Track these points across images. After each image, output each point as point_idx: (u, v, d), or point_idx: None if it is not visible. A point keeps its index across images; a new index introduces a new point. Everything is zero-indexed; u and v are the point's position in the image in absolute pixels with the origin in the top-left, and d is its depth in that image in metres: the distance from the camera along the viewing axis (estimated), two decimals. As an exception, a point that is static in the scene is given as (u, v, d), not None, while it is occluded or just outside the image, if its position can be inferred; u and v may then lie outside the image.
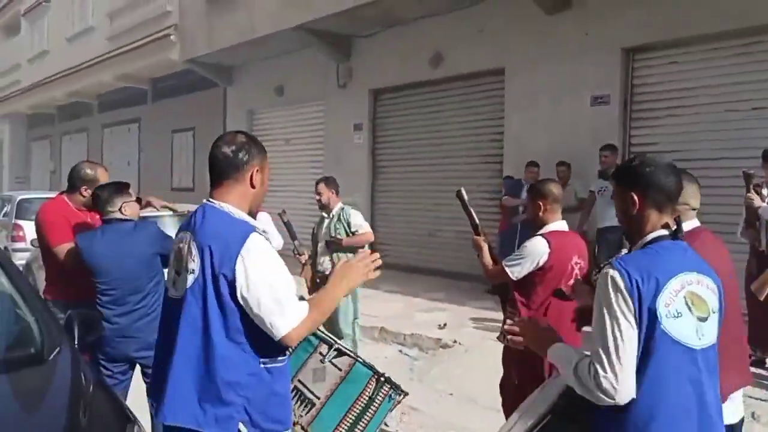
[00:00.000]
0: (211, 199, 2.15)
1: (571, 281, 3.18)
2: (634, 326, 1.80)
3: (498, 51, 9.18)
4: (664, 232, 1.94)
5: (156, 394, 2.11)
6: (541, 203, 3.38)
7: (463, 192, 3.53)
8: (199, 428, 2.00)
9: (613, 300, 1.82)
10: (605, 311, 1.83)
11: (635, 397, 1.80)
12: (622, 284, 1.81)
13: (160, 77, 16.43)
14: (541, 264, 3.28)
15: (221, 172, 2.13)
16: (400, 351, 6.75)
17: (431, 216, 10.41)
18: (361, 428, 2.30)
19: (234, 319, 2.01)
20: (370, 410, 2.29)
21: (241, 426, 2.01)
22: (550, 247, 3.26)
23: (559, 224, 3.39)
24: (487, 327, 6.80)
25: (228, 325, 2.01)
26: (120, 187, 3.66)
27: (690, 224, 2.43)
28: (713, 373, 1.90)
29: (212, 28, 12.80)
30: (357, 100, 11.47)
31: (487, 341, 6.01)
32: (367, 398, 2.28)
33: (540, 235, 3.35)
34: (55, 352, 2.65)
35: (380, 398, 2.33)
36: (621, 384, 1.78)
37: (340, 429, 2.28)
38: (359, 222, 5.44)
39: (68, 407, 2.34)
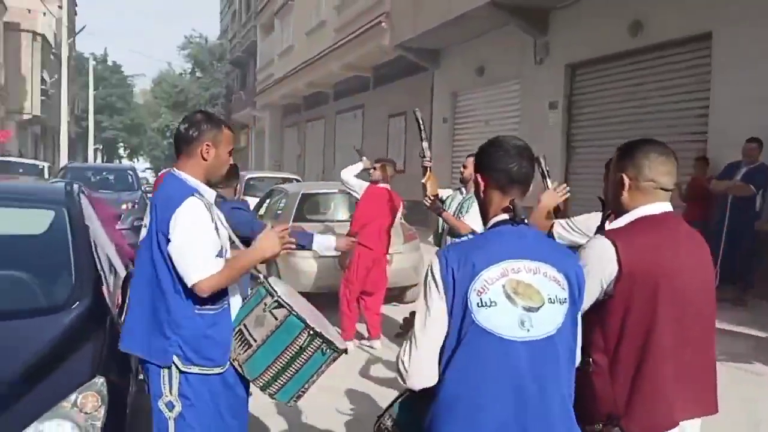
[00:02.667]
0: (173, 169, 2.54)
1: None
2: (441, 314, 1.78)
3: (703, 13, 7.93)
4: (504, 216, 1.88)
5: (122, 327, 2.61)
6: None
7: (542, 159, 3.31)
8: (144, 356, 2.44)
9: (427, 286, 1.82)
10: (421, 296, 1.85)
11: (444, 382, 1.77)
12: (437, 271, 1.80)
13: (379, 65, 17.17)
14: None
15: (177, 146, 2.52)
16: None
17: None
18: (289, 375, 2.41)
19: (174, 268, 2.36)
20: (299, 359, 2.40)
21: (175, 359, 2.38)
22: None
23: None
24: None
25: (173, 272, 2.36)
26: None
27: (657, 207, 2.01)
28: (549, 367, 1.75)
29: (416, 12, 13.00)
30: (553, 76, 10.77)
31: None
32: (297, 348, 2.39)
33: None
34: (75, 305, 2.92)
35: (311, 350, 2.40)
36: (411, 368, 1.80)
37: (269, 371, 2.41)
38: (473, 210, 5.09)
39: (41, 356, 2.57)
